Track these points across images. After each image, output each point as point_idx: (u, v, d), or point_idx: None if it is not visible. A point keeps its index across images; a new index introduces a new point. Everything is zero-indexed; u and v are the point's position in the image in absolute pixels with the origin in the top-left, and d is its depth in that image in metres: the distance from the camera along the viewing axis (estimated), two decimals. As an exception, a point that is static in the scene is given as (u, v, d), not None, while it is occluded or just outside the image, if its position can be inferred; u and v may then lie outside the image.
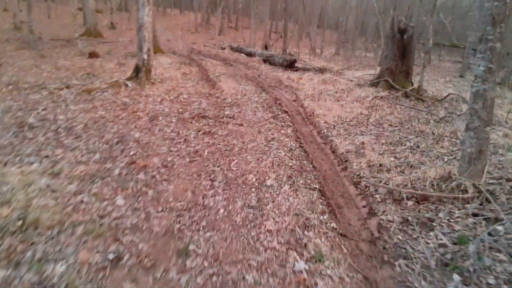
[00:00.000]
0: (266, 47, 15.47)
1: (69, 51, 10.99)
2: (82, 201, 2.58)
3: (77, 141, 3.71)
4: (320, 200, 2.78)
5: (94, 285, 1.82)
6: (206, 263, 2.04)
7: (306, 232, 2.31)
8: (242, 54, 14.18)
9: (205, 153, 3.71)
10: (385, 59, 8.04)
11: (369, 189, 2.96)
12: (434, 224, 2.49)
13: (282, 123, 4.99)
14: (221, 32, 24.50)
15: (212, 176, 3.17)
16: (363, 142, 4.16)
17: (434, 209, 2.64)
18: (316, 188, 2.99)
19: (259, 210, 2.58)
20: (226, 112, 5.31)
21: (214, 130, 4.46)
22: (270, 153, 3.78)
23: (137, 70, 6.80)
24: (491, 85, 2.67)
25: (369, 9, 24.89)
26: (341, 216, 2.55)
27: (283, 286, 1.87)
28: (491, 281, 1.95)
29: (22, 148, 3.47)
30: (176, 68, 9.27)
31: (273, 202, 2.71)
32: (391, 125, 5.03)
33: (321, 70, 10.48)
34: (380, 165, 3.42)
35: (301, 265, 1.99)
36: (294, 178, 3.19)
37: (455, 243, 2.29)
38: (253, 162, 3.50)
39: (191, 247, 2.16)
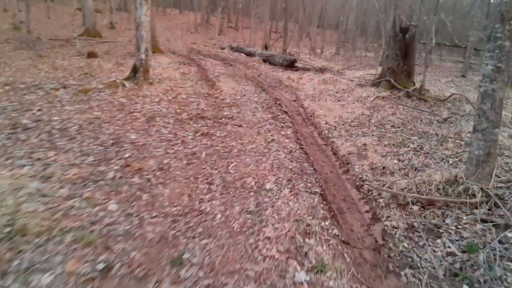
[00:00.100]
0: (266, 47, 15.36)
1: (68, 51, 10.90)
2: (73, 206, 2.48)
3: (71, 143, 3.60)
4: (322, 205, 2.67)
5: (81, 298, 1.72)
6: (201, 273, 1.93)
7: (307, 240, 2.20)
8: (242, 54, 14.09)
9: (203, 155, 3.60)
10: (387, 59, 7.93)
11: (372, 193, 2.85)
12: (441, 230, 2.38)
13: (282, 124, 4.88)
14: (221, 32, 24.40)
15: (209, 179, 3.07)
16: (365, 144, 4.05)
17: (441, 215, 2.53)
18: (317, 192, 2.88)
19: (257, 216, 2.47)
20: (225, 113, 5.20)
21: (212, 131, 4.35)
22: (269, 155, 3.67)
23: (134, 70, 6.70)
24: (499, 85, 2.56)
25: (369, 9, 24.80)
26: (344, 222, 2.44)
27: (283, 298, 1.77)
28: (503, 292, 1.84)
29: (14, 150, 3.36)
30: (175, 68, 9.17)
31: (272, 207, 2.60)
32: (393, 126, 4.92)
33: (322, 70, 10.38)
34: (383, 167, 3.31)
35: (301, 275, 1.88)
36: (294, 181, 3.08)
37: (464, 252, 2.18)
38: (252, 164, 3.39)
39: (186, 255, 2.05)
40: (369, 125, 4.95)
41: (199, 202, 2.67)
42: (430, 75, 11.14)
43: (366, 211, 2.60)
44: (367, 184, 3.01)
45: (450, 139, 4.39)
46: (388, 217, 2.50)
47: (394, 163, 3.43)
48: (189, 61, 11.14)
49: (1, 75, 6.64)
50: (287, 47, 14.68)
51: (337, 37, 21.29)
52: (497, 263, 2.03)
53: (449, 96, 6.75)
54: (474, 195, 2.68)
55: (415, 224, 2.41)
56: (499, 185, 2.84)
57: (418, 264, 2.08)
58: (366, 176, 3.19)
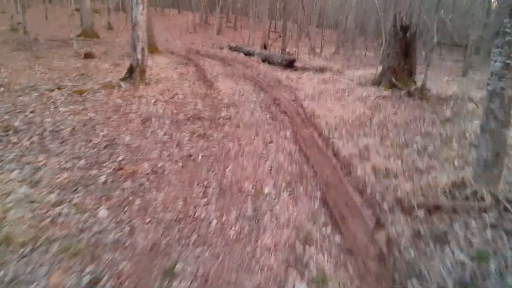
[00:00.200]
0: (265, 47, 15.24)
1: (65, 52, 10.77)
2: (61, 213, 2.36)
3: (63, 146, 3.48)
4: (322, 210, 2.55)
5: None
6: (195, 285, 1.81)
7: (307, 248, 2.08)
8: (241, 54, 13.96)
9: (199, 158, 3.48)
10: (387, 58, 7.81)
11: (375, 197, 2.73)
12: (449, 237, 2.26)
13: (281, 125, 4.76)
14: (219, 31, 24.27)
15: (205, 183, 2.94)
16: (366, 145, 3.93)
17: (448, 220, 2.41)
18: (317, 196, 2.76)
19: (255, 222, 2.35)
20: (223, 113, 5.08)
21: (209, 132, 4.23)
22: (268, 157, 3.55)
23: (131, 70, 6.58)
24: (509, 83, 2.44)
25: (368, 8, 24.68)
26: (346, 228, 2.32)
27: (282, 312, 1.65)
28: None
29: (4, 153, 3.25)
30: (173, 68, 9.05)
31: (270, 212, 2.48)
32: (395, 126, 4.80)
33: (321, 70, 10.26)
34: (386, 170, 3.18)
35: (302, 287, 1.76)
36: (293, 185, 2.95)
37: (473, 260, 2.06)
38: (249, 167, 3.27)
39: (179, 265, 1.93)
40: (371, 125, 4.82)
41: (194, 207, 2.55)
42: (431, 74, 10.99)
43: (369, 217, 2.47)
44: (370, 188, 2.89)
45: (454, 139, 4.27)
46: (392, 223, 2.38)
47: (398, 165, 3.31)
48: (187, 61, 11.02)
49: (-3, 77, 6.53)
50: (286, 47, 14.56)
51: (336, 37, 21.17)
52: (509, 272, 1.91)
53: (452, 95, 6.61)
54: (482, 199, 2.56)
55: (421, 230, 2.29)
56: (509, 188, 2.71)
57: (426, 274, 1.95)
58: (369, 178, 3.07)
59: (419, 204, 2.54)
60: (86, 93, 5.61)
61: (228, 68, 10.08)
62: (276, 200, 2.68)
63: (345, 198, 2.75)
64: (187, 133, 4.17)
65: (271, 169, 3.27)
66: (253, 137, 4.12)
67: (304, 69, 10.42)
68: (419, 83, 7.28)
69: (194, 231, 2.26)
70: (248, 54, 13.50)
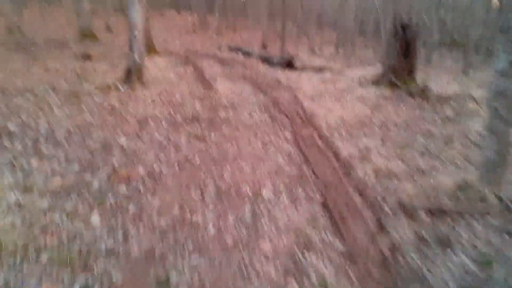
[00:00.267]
0: (264, 47, 15.17)
1: (63, 53, 10.70)
2: (52, 221, 2.28)
3: (57, 150, 3.40)
4: (322, 213, 2.47)
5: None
6: (190, 295, 1.74)
7: (307, 254, 2.01)
8: (240, 54, 13.90)
9: (196, 160, 3.41)
10: (387, 57, 7.73)
11: (377, 199, 2.65)
12: (453, 241, 2.18)
13: (280, 126, 4.69)
14: (218, 32, 24.21)
15: (202, 187, 2.87)
16: (367, 145, 3.86)
17: (452, 223, 2.33)
18: (317, 198, 2.68)
19: (253, 227, 2.27)
20: (221, 115, 5.01)
21: (207, 134, 4.16)
22: (266, 159, 3.47)
23: (128, 71, 6.49)
24: (513, 82, 2.36)
25: (368, 8, 24.60)
26: (347, 232, 2.24)
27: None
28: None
29: (-3, 157, 3.17)
30: (171, 69, 8.98)
31: (269, 216, 2.41)
32: (396, 126, 4.72)
33: (321, 69, 10.19)
34: (388, 171, 3.10)
35: (301, 297, 1.68)
36: (293, 187, 2.88)
37: (478, 265, 1.98)
38: (248, 169, 3.20)
39: (174, 275, 1.86)
40: (371, 126, 4.75)
41: (191, 213, 2.47)
42: (431, 73, 10.94)
43: (371, 220, 2.40)
44: (371, 189, 2.81)
45: (456, 139, 4.19)
46: (395, 226, 2.30)
47: (399, 166, 3.23)
48: (186, 61, 10.95)
49: (-8, 79, 6.46)
50: (286, 47, 14.49)
51: (336, 36, 21.10)
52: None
53: (453, 94, 6.53)
54: (486, 201, 2.48)
55: (424, 234, 2.21)
56: (513, 190, 2.64)
57: (429, 280, 1.88)
58: (370, 180, 2.99)
59: (422, 207, 2.47)
60: (82, 95, 5.54)
61: (227, 68, 10.01)
62: (274, 203, 2.60)
63: (346, 200, 2.68)
64: (184, 135, 4.10)
65: (269, 171, 3.19)
66: (251, 139, 4.04)
67: (303, 69, 10.34)
68: (419, 82, 7.20)
69: (190, 238, 2.18)
70: (247, 54, 13.43)
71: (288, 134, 4.33)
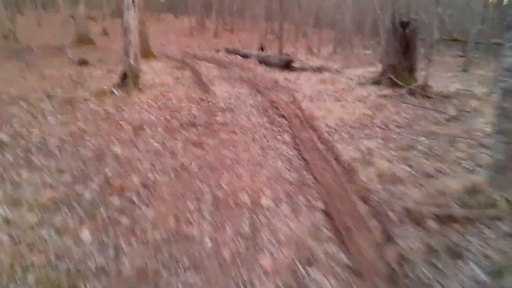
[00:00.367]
0: (262, 48, 15.09)
1: (58, 60, 10.61)
2: (40, 237, 2.16)
3: (48, 160, 3.29)
4: (325, 223, 2.35)
5: None
6: (185, 318, 1.61)
7: (309, 270, 1.88)
8: (238, 56, 13.80)
9: (193, 168, 3.29)
10: (387, 55, 7.63)
11: (382, 206, 2.53)
12: (464, 251, 2.05)
13: (279, 129, 4.57)
14: (216, 35, 24.17)
15: (199, 196, 2.75)
16: (369, 148, 3.74)
17: (463, 231, 2.21)
18: (319, 207, 2.56)
19: (252, 240, 2.15)
20: (218, 119, 4.89)
21: (204, 139, 4.04)
22: (265, 164, 3.35)
23: (123, 76, 6.40)
24: (523, 80, 2.24)
25: (366, 6, 24.51)
26: (351, 244, 2.11)
27: None
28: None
29: (-14, 170, 3.06)
30: (168, 73, 8.88)
31: (269, 228, 2.28)
32: (398, 126, 4.60)
33: (319, 70, 10.08)
34: (392, 175, 2.98)
35: (304, 319, 1.56)
36: (293, 195, 2.76)
37: (489, 275, 1.86)
38: (246, 176, 3.08)
39: (167, 295, 1.74)
40: (372, 126, 4.63)
41: (186, 225, 2.35)
42: (431, 71, 10.81)
43: (377, 229, 2.27)
44: (375, 195, 2.69)
45: (460, 138, 4.07)
46: (402, 236, 2.17)
47: (404, 169, 3.11)
48: (183, 65, 10.85)
49: (-14, 87, 6.35)
50: (284, 48, 14.39)
51: (334, 36, 21.00)
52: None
53: (455, 92, 6.41)
54: (497, 206, 2.36)
55: (434, 244, 2.09)
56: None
57: (442, 295, 1.76)
58: (374, 185, 2.87)
59: (429, 213, 2.34)
60: (77, 101, 5.43)
61: (224, 71, 9.91)
62: (274, 213, 2.48)
63: (350, 208, 2.55)
64: (180, 141, 3.98)
65: (269, 177, 3.07)
66: (249, 143, 3.92)
67: (302, 69, 10.24)
68: (420, 81, 7.09)
69: (185, 253, 2.06)
70: (245, 56, 13.34)
71: (287, 138, 4.21)
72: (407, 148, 3.70)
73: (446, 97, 6.33)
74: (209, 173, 3.18)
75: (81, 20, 15.83)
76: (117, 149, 3.63)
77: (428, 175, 2.97)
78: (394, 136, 4.21)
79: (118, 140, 3.88)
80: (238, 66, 11.08)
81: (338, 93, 6.92)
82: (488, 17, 17.14)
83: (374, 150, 3.69)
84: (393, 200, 2.59)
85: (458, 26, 19.29)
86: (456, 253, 2.06)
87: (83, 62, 9.71)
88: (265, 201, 2.63)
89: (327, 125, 4.73)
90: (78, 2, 15.27)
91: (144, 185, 2.89)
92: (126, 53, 6.35)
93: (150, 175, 3.09)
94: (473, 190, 2.56)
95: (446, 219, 2.30)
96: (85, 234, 2.18)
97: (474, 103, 5.92)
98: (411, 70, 7.32)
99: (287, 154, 3.64)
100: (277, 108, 5.61)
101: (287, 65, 10.44)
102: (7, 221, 2.33)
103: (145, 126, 4.40)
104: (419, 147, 3.75)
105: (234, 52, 14.76)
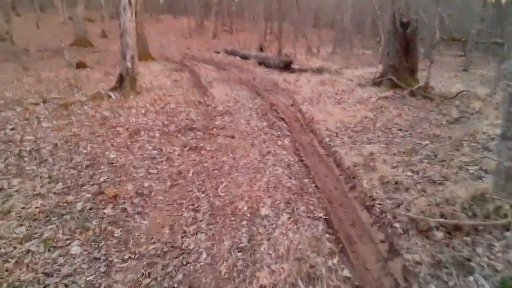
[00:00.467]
0: (261, 49, 14.99)
1: (56, 62, 10.52)
2: (29, 251, 2.07)
3: (41, 167, 3.19)
4: (327, 235, 2.25)
5: None
6: None
7: (310, 287, 1.78)
8: (237, 57, 13.72)
9: (190, 174, 3.19)
10: (387, 56, 7.51)
11: (386, 215, 2.43)
12: (472, 264, 1.96)
13: (279, 133, 4.47)
14: (215, 36, 24.09)
15: (195, 205, 2.65)
16: (371, 153, 3.63)
17: (471, 243, 2.11)
18: (320, 216, 2.46)
19: (250, 254, 2.05)
20: (217, 122, 4.79)
21: (202, 144, 3.94)
22: (265, 171, 3.25)
23: (120, 79, 6.29)
24: (533, 84, 2.15)
25: (365, 6, 24.43)
26: (355, 257, 2.02)
27: None
28: None
29: (-24, 178, 2.96)
30: (166, 75, 8.78)
31: (268, 240, 2.19)
32: (400, 130, 4.50)
33: (319, 71, 9.99)
34: (396, 182, 2.88)
35: None
36: (293, 203, 2.66)
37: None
38: (244, 184, 2.97)
39: (160, 316, 1.64)
40: (374, 130, 4.53)
41: (182, 237, 2.25)
42: (432, 71, 10.72)
43: (381, 241, 2.17)
44: (379, 204, 2.59)
45: (464, 142, 3.97)
46: (408, 248, 2.08)
47: (408, 176, 3.01)
48: (181, 67, 10.75)
49: (-19, 91, 6.26)
50: (283, 48, 14.30)
51: (333, 36, 20.90)
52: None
53: (458, 93, 6.30)
54: (505, 215, 2.26)
55: (441, 257, 1.99)
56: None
57: (451, 313, 1.66)
58: (377, 193, 2.77)
59: (436, 223, 2.24)
60: (72, 105, 5.33)
61: (223, 73, 9.81)
62: (274, 223, 2.38)
63: (352, 218, 2.45)
64: (178, 146, 3.88)
65: (268, 185, 2.97)
66: (248, 149, 3.82)
67: (301, 70, 10.14)
68: (421, 81, 6.99)
69: (180, 267, 1.96)
70: (244, 57, 13.25)
71: (287, 142, 4.11)
72: (411, 153, 3.60)
73: (448, 98, 6.22)
74: (207, 180, 3.08)
75: (79, 22, 15.76)
76: (112, 155, 3.53)
77: (433, 182, 2.87)
78: (396, 140, 4.11)
79: (113, 146, 3.79)
80: (237, 68, 10.98)
81: (339, 95, 6.82)
82: (488, 16, 17.03)
83: (376, 155, 3.58)
84: (397, 209, 2.49)
85: (458, 26, 19.21)
86: (464, 267, 1.96)
87: (81, 65, 9.62)
88: (264, 211, 2.53)
89: (327, 129, 4.63)
90: (76, 3, 15.21)
91: (139, 194, 2.79)
92: (123, 56, 6.25)
93: (145, 183, 2.99)
94: (480, 198, 2.46)
95: (453, 230, 2.20)
96: (75, 248, 2.09)
97: (476, 104, 5.81)
98: (412, 71, 7.22)
99: (287, 160, 3.54)
100: (277, 111, 5.51)
101: (286, 66, 10.35)
102: (-5, 234, 2.24)
103: (141, 131, 4.31)
104: (423, 152, 3.64)
105: (233, 53, 14.68)
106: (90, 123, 4.54)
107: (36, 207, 2.49)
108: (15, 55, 10.59)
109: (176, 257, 2.04)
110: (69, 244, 2.12)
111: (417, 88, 6.63)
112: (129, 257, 2.05)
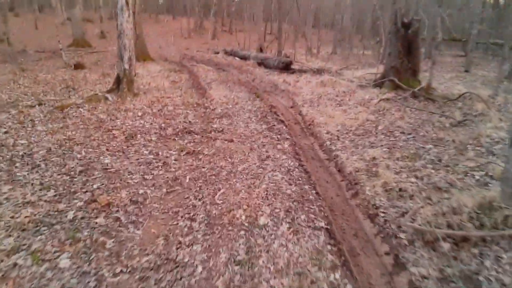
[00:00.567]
0: (261, 50, 14.88)
1: (54, 63, 10.42)
2: (16, 264, 1.96)
3: (33, 173, 3.09)
4: (329, 246, 2.15)
5: None
6: None
7: (312, 304, 1.68)
8: (236, 58, 13.62)
9: (186, 180, 3.09)
10: (389, 57, 7.42)
11: (390, 225, 2.33)
12: (480, 278, 1.86)
13: (278, 136, 4.37)
14: (214, 36, 24.00)
15: (191, 214, 2.55)
16: (374, 157, 3.53)
17: (479, 255, 2.01)
18: (322, 226, 2.36)
19: (248, 268, 1.95)
20: (215, 125, 4.69)
21: (199, 148, 3.84)
22: (264, 177, 3.15)
23: (118, 81, 6.20)
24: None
25: (365, 6, 24.34)
26: (359, 271, 1.92)
27: None
28: None
29: (-35, 185, 2.86)
30: (165, 76, 8.68)
31: (267, 252, 2.09)
32: (403, 133, 4.40)
33: (319, 71, 9.89)
34: (400, 189, 2.78)
35: None
36: (293, 212, 2.56)
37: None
38: (243, 191, 2.88)
39: (152, 337, 1.54)
40: (376, 133, 4.43)
41: (177, 248, 2.15)
42: (434, 72, 10.62)
43: (386, 253, 2.08)
44: (383, 213, 2.49)
45: (469, 146, 3.87)
46: (414, 261, 1.98)
47: (412, 182, 2.91)
48: (180, 68, 10.66)
49: (-23, 93, 6.16)
50: (283, 49, 14.20)
51: (333, 36, 20.81)
52: None
53: (461, 95, 6.20)
54: (515, 225, 2.16)
55: (448, 271, 1.89)
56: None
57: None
58: (380, 201, 2.67)
59: (442, 234, 2.14)
60: (68, 108, 5.24)
61: (222, 74, 9.71)
62: (273, 234, 2.28)
63: (355, 228, 2.35)
64: (174, 150, 3.79)
65: (267, 192, 2.87)
66: (247, 153, 3.72)
67: (301, 71, 10.04)
68: (423, 83, 6.89)
69: (174, 282, 1.86)
70: (243, 58, 13.16)
71: (287, 146, 4.01)
72: (414, 157, 3.50)
73: (451, 100, 6.12)
74: (204, 186, 2.98)
75: (77, 23, 15.67)
76: (107, 160, 3.43)
77: (438, 189, 2.77)
78: (399, 143, 4.01)
79: (108, 150, 3.69)
80: (236, 68, 10.89)
81: (339, 96, 6.73)
82: (487, 17, 16.94)
83: (379, 159, 3.48)
84: (402, 218, 2.39)
85: (457, 26, 19.11)
86: (472, 281, 1.86)
87: (78, 66, 9.52)
88: (263, 220, 2.43)
89: (328, 132, 4.53)
90: (74, 4, 15.12)
91: (133, 202, 2.69)
92: (121, 57, 6.15)
93: (140, 189, 2.89)
94: (487, 207, 2.36)
95: (460, 241, 2.10)
96: (65, 261, 1.98)
97: (479, 106, 5.71)
98: (414, 72, 7.12)
99: (287, 165, 3.44)
100: (276, 114, 5.42)
101: (286, 67, 10.25)
102: (-19, 246, 2.14)
103: (138, 134, 4.21)
104: (427, 156, 3.54)
105: (233, 53, 14.58)
106: (86, 126, 4.44)
107: (26, 216, 2.39)
108: (12, 56, 10.48)
109: (170, 271, 1.94)
110: (58, 256, 2.02)
111: (419, 90, 6.53)
112: (121, 271, 1.95)
